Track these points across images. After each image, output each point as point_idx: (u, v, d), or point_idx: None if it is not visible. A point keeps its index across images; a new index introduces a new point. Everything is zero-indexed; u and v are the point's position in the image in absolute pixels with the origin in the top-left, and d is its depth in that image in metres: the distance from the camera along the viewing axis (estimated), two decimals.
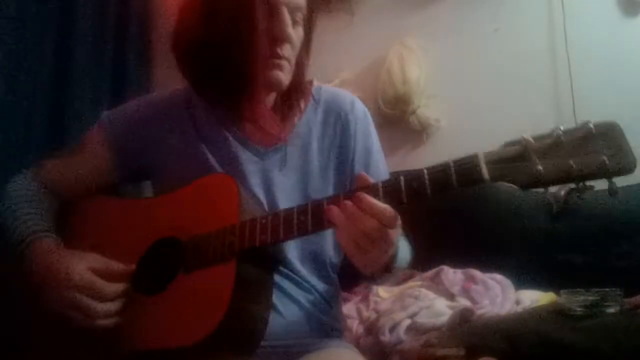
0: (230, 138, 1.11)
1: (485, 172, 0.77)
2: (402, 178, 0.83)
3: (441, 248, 1.88)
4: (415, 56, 2.22)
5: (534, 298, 1.60)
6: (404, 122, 2.21)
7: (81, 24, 2.11)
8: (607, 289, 1.31)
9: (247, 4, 0.99)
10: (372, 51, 2.31)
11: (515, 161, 0.77)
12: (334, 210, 0.84)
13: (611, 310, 1.28)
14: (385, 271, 0.95)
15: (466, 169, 0.78)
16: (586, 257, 1.73)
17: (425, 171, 0.81)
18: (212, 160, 1.09)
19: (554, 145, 0.76)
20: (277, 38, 1.00)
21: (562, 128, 0.77)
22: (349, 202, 0.83)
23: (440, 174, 0.80)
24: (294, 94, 1.12)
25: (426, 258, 1.77)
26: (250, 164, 1.10)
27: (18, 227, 1.06)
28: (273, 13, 1.01)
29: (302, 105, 1.15)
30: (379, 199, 0.82)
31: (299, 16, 1.03)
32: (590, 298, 1.30)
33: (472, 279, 1.68)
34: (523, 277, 1.69)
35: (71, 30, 2.08)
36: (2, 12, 1.86)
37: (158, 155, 1.13)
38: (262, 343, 0.94)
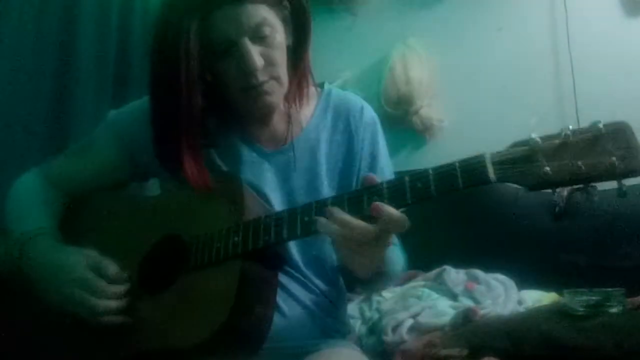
0: (237, 138, 1.11)
1: (491, 173, 0.76)
2: (406, 178, 0.82)
3: (444, 248, 1.88)
4: (418, 56, 2.22)
5: (536, 298, 1.60)
6: (407, 123, 2.21)
7: (83, 24, 2.11)
8: (609, 289, 1.31)
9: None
10: (375, 51, 2.31)
11: (522, 162, 0.75)
12: (321, 220, 0.83)
13: (614, 310, 1.28)
14: (377, 274, 0.93)
15: (472, 169, 0.77)
16: (589, 257, 1.72)
17: (430, 171, 0.80)
18: (218, 160, 1.10)
19: (562, 146, 0.74)
20: (246, 71, 0.99)
21: (570, 128, 0.75)
22: (335, 208, 0.83)
23: (445, 174, 0.79)
24: (298, 95, 1.11)
25: (429, 258, 1.78)
26: (256, 165, 1.10)
27: (19, 227, 1.06)
28: (234, 48, 0.98)
29: (312, 107, 1.15)
30: (383, 200, 0.81)
31: (266, 30, 0.99)
32: (593, 298, 1.29)
33: (474, 279, 1.68)
34: (526, 277, 1.68)
35: (73, 30, 2.08)
36: (3, 12, 1.86)
37: None
38: (265, 344, 0.94)
